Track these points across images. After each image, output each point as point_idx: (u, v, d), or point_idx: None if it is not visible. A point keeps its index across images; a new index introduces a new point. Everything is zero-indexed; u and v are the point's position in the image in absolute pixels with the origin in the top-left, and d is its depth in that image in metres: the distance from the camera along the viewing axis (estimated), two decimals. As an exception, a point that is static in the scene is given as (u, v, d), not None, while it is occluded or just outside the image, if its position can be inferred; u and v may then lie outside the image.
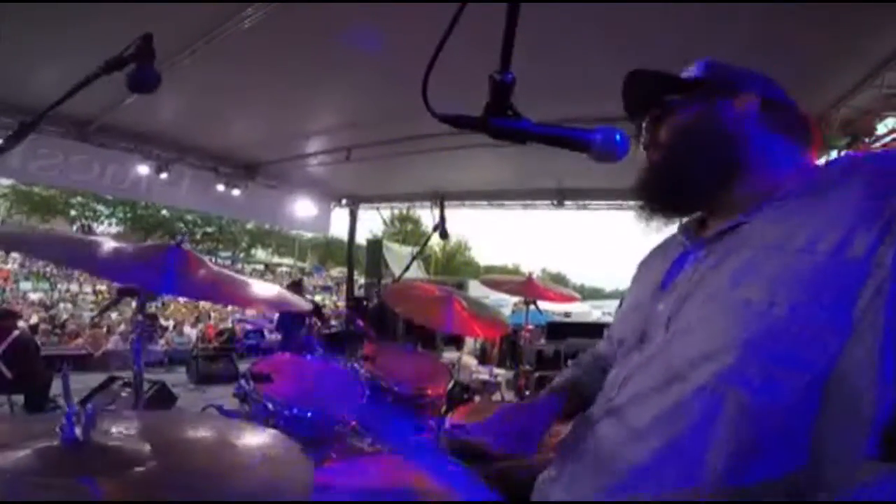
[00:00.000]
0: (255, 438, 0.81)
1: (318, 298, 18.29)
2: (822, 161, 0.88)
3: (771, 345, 0.63)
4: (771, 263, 0.67)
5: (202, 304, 13.01)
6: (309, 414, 1.66)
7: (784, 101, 0.85)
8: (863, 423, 0.59)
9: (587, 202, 6.61)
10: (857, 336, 0.59)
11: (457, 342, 5.83)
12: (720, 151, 0.82)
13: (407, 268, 3.25)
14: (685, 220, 0.94)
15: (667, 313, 0.79)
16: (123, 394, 3.96)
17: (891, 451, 0.59)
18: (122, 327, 9.77)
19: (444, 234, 2.52)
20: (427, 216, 9.23)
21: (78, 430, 0.65)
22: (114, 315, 10.35)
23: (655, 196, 0.89)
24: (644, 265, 1.04)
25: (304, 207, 7.58)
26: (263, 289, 1.36)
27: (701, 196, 0.85)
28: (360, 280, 10.64)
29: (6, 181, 17.19)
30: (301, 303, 1.37)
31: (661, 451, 0.69)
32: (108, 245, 1.19)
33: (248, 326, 10.54)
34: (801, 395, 0.60)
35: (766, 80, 0.87)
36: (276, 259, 27.92)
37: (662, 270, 0.88)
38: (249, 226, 23.92)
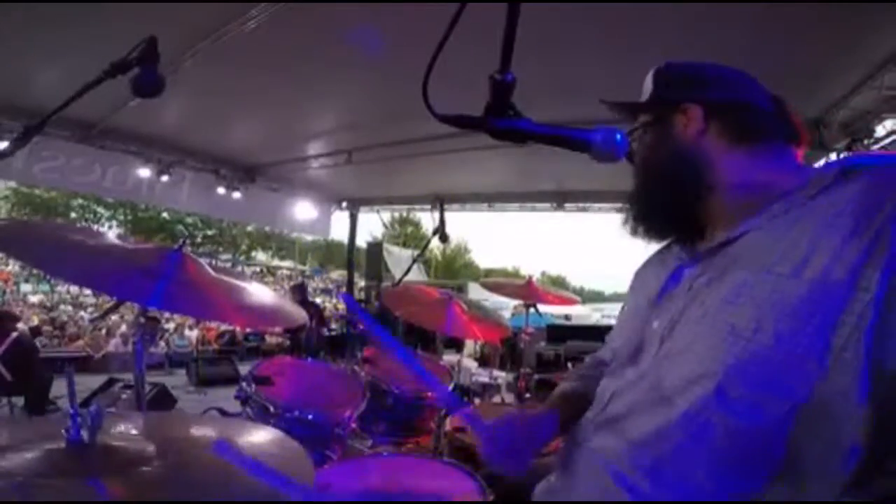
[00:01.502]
0: (257, 438, 0.81)
1: (317, 300, 18.30)
2: (815, 163, 0.85)
3: (755, 371, 0.62)
4: (759, 288, 0.66)
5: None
6: (310, 416, 1.66)
7: (738, 99, 0.82)
8: (841, 448, 0.59)
9: (587, 204, 6.61)
10: (839, 363, 0.58)
11: (457, 345, 5.82)
12: (676, 176, 0.82)
13: (407, 271, 3.25)
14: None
15: (660, 331, 0.79)
16: (123, 396, 3.97)
17: (866, 476, 0.59)
18: (123, 329, 9.77)
19: (444, 237, 2.53)
20: (427, 219, 9.25)
21: (84, 432, 0.65)
22: (114, 317, 10.35)
23: (637, 223, 0.89)
24: (641, 274, 1.03)
25: (304, 210, 7.59)
26: (263, 297, 1.34)
27: (675, 222, 0.85)
28: (361, 283, 10.64)
29: (8, 183, 17.23)
30: (297, 313, 1.35)
31: (650, 468, 0.70)
32: (106, 246, 1.18)
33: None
34: (783, 421, 0.60)
35: (713, 79, 0.84)
36: (276, 262, 27.94)
37: (659, 282, 0.87)
38: (250, 228, 23.93)
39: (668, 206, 0.84)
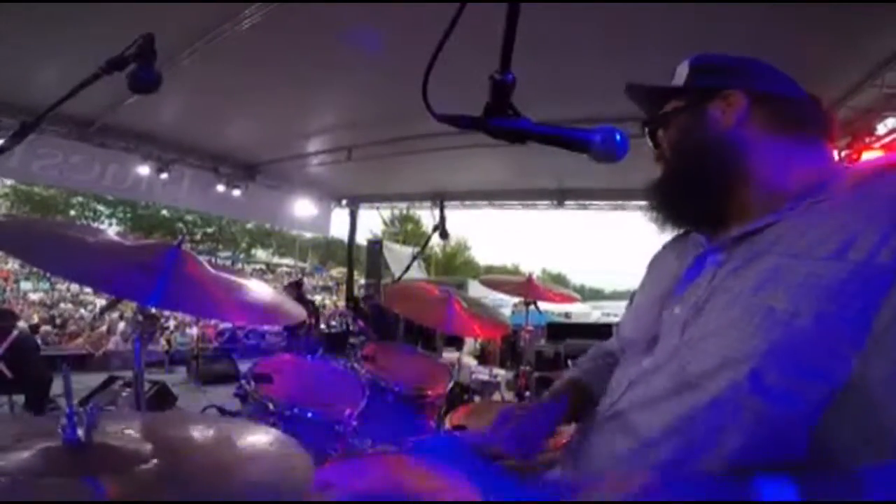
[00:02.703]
0: (256, 438, 0.81)
1: (317, 298, 18.31)
2: (839, 157, 0.83)
3: (792, 356, 0.61)
4: (797, 272, 0.65)
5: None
6: (309, 414, 1.66)
7: (781, 91, 0.81)
8: (877, 429, 0.59)
9: (587, 202, 6.61)
10: (880, 347, 0.58)
11: (457, 342, 5.83)
12: (714, 163, 0.79)
13: (407, 268, 3.25)
14: None
15: (682, 318, 0.77)
16: (124, 394, 3.96)
17: None
18: (123, 327, 9.76)
19: (444, 235, 2.53)
20: (427, 216, 9.24)
21: (80, 431, 0.65)
22: (115, 315, 10.34)
23: (664, 211, 0.88)
24: (657, 262, 1.02)
25: (304, 208, 7.59)
26: (262, 294, 1.33)
27: (707, 210, 0.82)
28: (361, 280, 10.65)
29: (7, 181, 17.21)
30: (297, 310, 1.35)
31: (671, 459, 0.68)
32: (104, 243, 1.17)
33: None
34: (819, 404, 0.60)
35: (757, 71, 0.83)
36: (276, 259, 27.94)
37: (678, 271, 0.86)
38: (249, 226, 23.93)
39: (702, 194, 0.81)
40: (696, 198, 0.82)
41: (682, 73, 0.86)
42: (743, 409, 0.63)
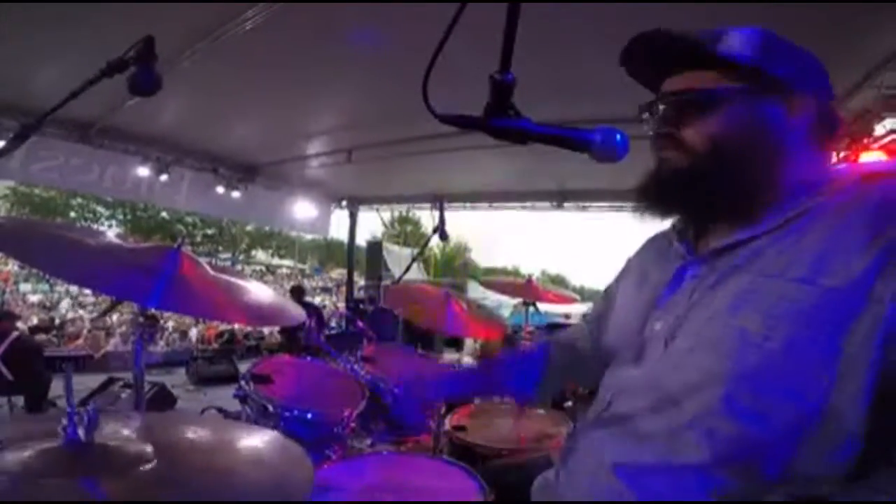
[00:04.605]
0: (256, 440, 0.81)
1: (317, 300, 18.30)
2: (830, 170, 0.76)
3: (764, 379, 0.61)
4: (770, 293, 0.64)
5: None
6: (309, 415, 1.66)
7: (826, 98, 0.76)
8: (845, 449, 0.59)
9: (587, 204, 6.61)
10: (850, 372, 0.58)
11: (457, 343, 5.82)
12: (763, 170, 0.72)
13: (407, 269, 3.25)
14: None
15: (664, 333, 0.76)
16: (123, 395, 3.97)
17: (872, 470, 0.60)
18: (123, 328, 9.76)
19: (443, 236, 2.53)
20: (427, 218, 9.25)
21: (80, 431, 0.65)
22: (114, 316, 10.33)
23: (671, 204, 0.81)
24: (638, 263, 0.99)
25: (303, 209, 7.59)
26: (262, 295, 1.33)
27: (725, 214, 0.76)
28: (361, 282, 10.65)
29: (6, 183, 17.19)
30: (297, 312, 1.35)
31: (656, 465, 0.69)
32: (104, 245, 1.17)
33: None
34: (792, 428, 0.60)
35: (823, 76, 0.77)
36: (276, 261, 27.92)
37: (660, 280, 0.84)
38: (249, 227, 23.91)
39: (730, 196, 0.73)
40: (721, 199, 0.74)
41: (739, 44, 0.75)
42: (717, 430, 0.64)
